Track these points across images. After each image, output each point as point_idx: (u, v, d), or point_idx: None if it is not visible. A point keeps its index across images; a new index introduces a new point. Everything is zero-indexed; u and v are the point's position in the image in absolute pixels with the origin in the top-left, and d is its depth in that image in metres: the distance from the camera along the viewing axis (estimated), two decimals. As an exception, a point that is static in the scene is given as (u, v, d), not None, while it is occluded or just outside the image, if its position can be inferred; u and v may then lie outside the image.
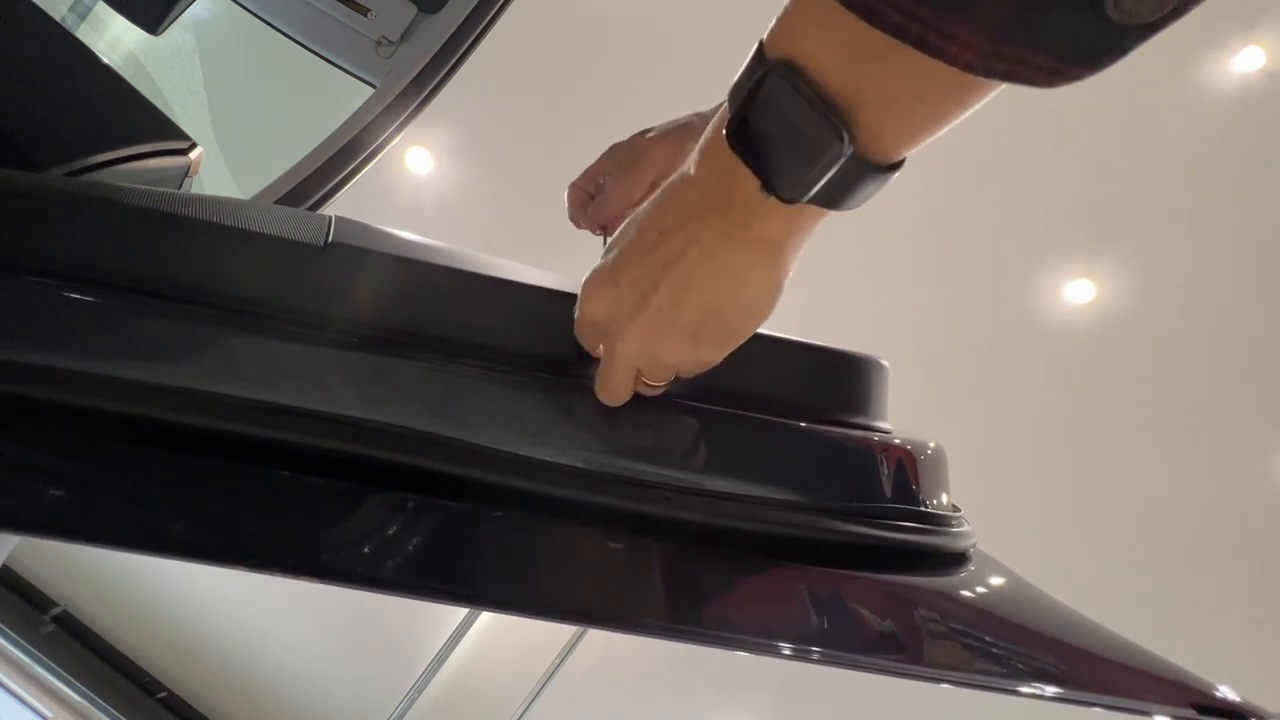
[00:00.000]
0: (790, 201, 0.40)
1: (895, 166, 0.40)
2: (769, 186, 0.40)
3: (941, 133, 0.38)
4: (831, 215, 0.43)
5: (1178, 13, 0.30)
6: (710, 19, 2.45)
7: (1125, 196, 2.68)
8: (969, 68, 0.32)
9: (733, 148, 0.41)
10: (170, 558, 0.44)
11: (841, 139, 0.37)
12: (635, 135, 0.73)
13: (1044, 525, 2.67)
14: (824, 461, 0.56)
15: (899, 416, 0.63)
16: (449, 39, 1.62)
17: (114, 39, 2.73)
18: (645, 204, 0.47)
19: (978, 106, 0.36)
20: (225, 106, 2.96)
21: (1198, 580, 2.68)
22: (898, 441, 0.58)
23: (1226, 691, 0.53)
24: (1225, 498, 2.67)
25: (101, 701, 2.85)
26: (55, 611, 2.89)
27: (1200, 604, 2.65)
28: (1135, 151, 2.62)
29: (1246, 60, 2.54)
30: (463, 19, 1.63)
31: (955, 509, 0.61)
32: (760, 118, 0.39)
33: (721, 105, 0.42)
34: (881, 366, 0.62)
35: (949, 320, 2.77)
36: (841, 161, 0.38)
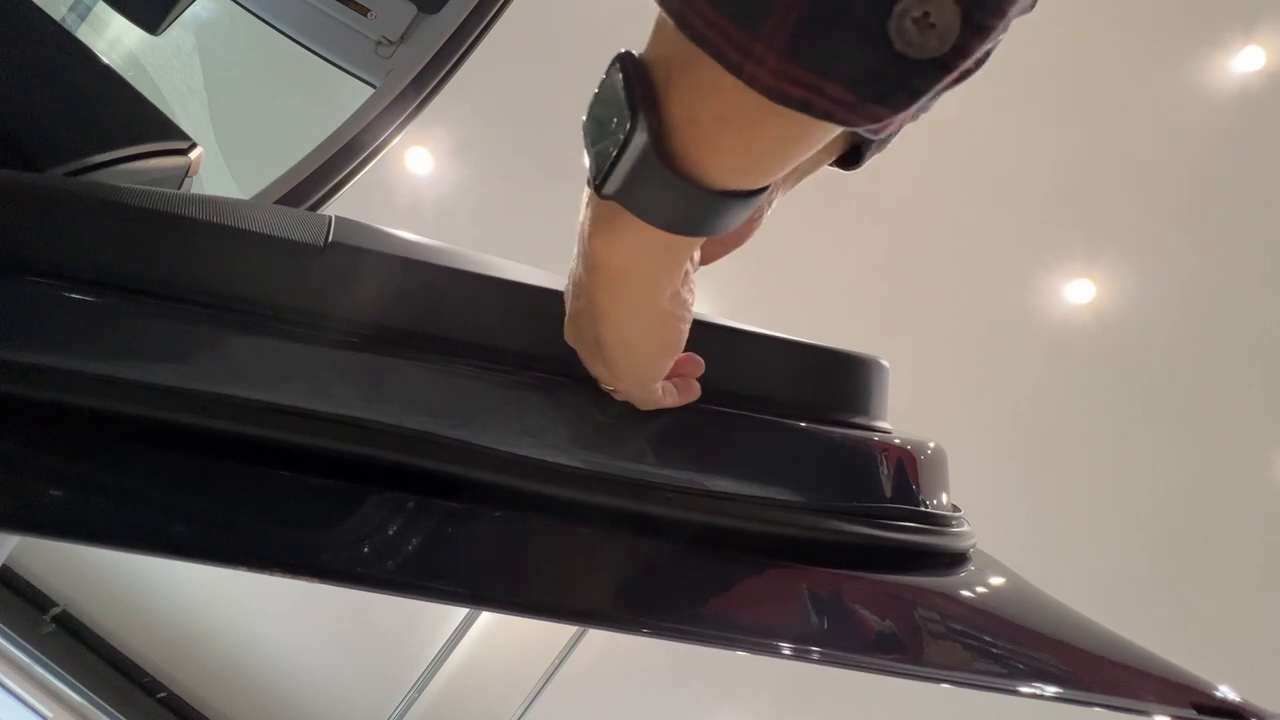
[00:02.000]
0: (599, 190, 0.38)
1: (738, 196, 0.37)
2: (590, 180, 0.39)
3: (772, 170, 0.36)
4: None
5: (962, 52, 0.29)
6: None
7: (1125, 196, 2.68)
8: (766, 91, 0.31)
9: (584, 132, 0.40)
10: (170, 558, 0.44)
11: (638, 125, 0.35)
12: None
13: (1044, 525, 2.67)
14: (824, 461, 0.56)
15: (899, 416, 0.63)
16: (449, 39, 1.62)
17: (114, 39, 2.73)
18: None
19: (800, 149, 0.35)
20: (225, 106, 2.96)
21: (1197, 580, 2.68)
22: (898, 441, 0.58)
23: (1227, 691, 0.53)
24: (1225, 497, 2.67)
25: (101, 701, 2.85)
26: (55, 611, 2.89)
27: (1200, 604, 2.65)
28: (1135, 151, 2.62)
29: (1246, 60, 2.54)
30: (463, 19, 1.63)
31: (955, 509, 0.61)
32: (599, 98, 0.39)
33: None
34: (881, 366, 0.62)
35: (949, 320, 2.77)
36: (638, 153, 0.36)
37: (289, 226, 0.51)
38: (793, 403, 0.56)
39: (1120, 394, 2.72)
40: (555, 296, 0.53)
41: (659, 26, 0.35)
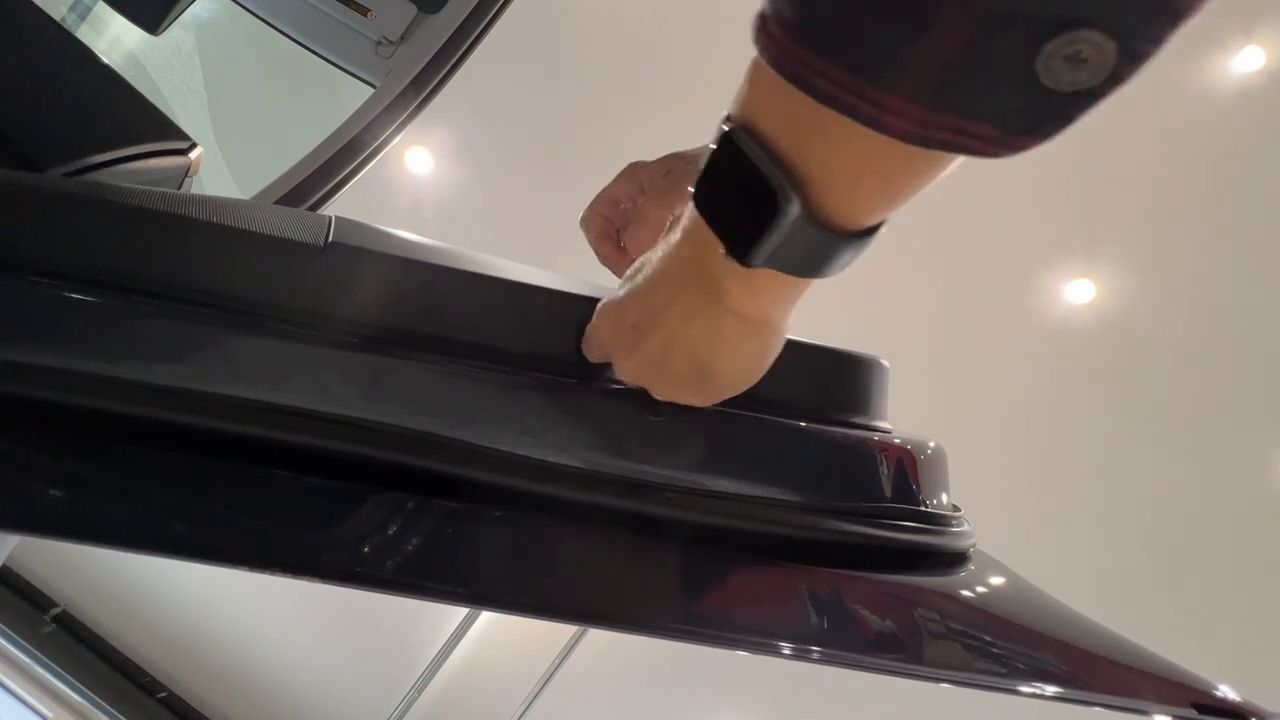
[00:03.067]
0: (748, 265, 0.40)
1: (870, 231, 0.39)
2: (731, 250, 0.40)
3: (906, 201, 0.37)
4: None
5: (1117, 79, 0.29)
6: (710, 20, 2.45)
7: (1125, 196, 2.68)
8: (906, 138, 0.31)
9: (699, 209, 0.41)
10: (170, 558, 0.44)
11: (790, 199, 0.36)
12: (667, 158, 0.67)
13: (1044, 525, 2.67)
14: (824, 461, 0.56)
15: (899, 416, 0.63)
16: (449, 39, 1.62)
17: (114, 39, 2.73)
18: (658, 247, 0.47)
19: (937, 178, 0.35)
20: (225, 106, 2.96)
21: (1197, 580, 2.68)
22: (897, 441, 0.58)
23: (1227, 691, 0.53)
24: (1225, 498, 2.67)
25: (101, 701, 2.85)
26: (55, 611, 2.89)
27: (1200, 603, 2.65)
28: (1135, 151, 2.62)
29: (1246, 60, 2.54)
30: (463, 19, 1.63)
31: (955, 509, 0.61)
32: (720, 179, 0.40)
33: None
34: (881, 366, 0.62)
35: (949, 320, 2.77)
36: (791, 223, 0.37)
37: (289, 226, 0.51)
38: (793, 402, 0.56)
39: (1120, 394, 2.72)
40: (555, 297, 0.53)
41: (766, 87, 0.35)
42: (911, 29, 0.29)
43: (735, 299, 0.43)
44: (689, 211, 0.43)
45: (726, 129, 0.39)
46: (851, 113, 0.32)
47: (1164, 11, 0.28)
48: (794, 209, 0.37)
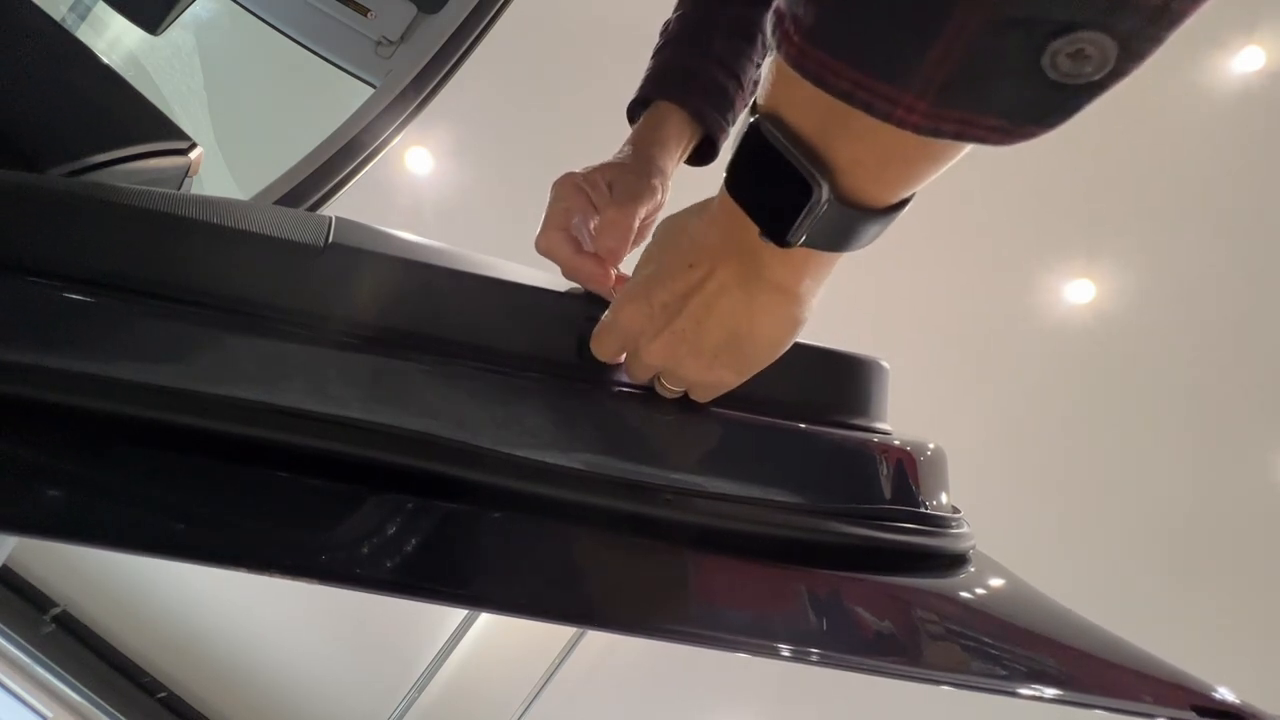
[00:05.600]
0: (783, 243, 0.42)
1: (897, 206, 0.41)
2: (766, 233, 0.42)
3: (931, 178, 0.39)
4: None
5: (1119, 75, 0.30)
6: (710, 19, 2.44)
7: (1125, 196, 2.68)
8: (919, 130, 0.33)
9: (732, 196, 0.43)
10: (170, 558, 0.44)
11: (820, 185, 0.39)
12: (597, 169, 0.65)
13: (1043, 526, 2.67)
14: (824, 463, 0.56)
15: (899, 417, 0.63)
16: (449, 39, 1.62)
17: (114, 39, 2.73)
18: (676, 226, 0.49)
19: (958, 156, 0.37)
20: (225, 106, 2.96)
21: (1197, 581, 2.68)
22: (897, 443, 0.58)
23: (1225, 693, 0.53)
24: (1225, 498, 2.67)
25: (101, 701, 2.85)
26: (55, 611, 2.89)
27: (1199, 605, 2.65)
28: (1135, 151, 2.62)
29: (1246, 60, 2.54)
30: (463, 19, 1.63)
31: (955, 510, 0.61)
32: (750, 167, 0.42)
33: None
34: (881, 367, 0.62)
35: (949, 320, 2.77)
36: (823, 208, 0.39)
37: (289, 227, 0.51)
38: (793, 404, 0.56)
39: (1120, 394, 2.72)
40: (555, 297, 0.53)
41: (790, 84, 0.37)
42: (923, 34, 0.30)
43: (775, 271, 0.45)
44: (720, 196, 0.45)
45: (754, 120, 0.40)
46: (867, 108, 0.33)
47: (1163, 14, 0.28)
48: (823, 193, 0.39)
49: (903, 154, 0.37)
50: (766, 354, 0.49)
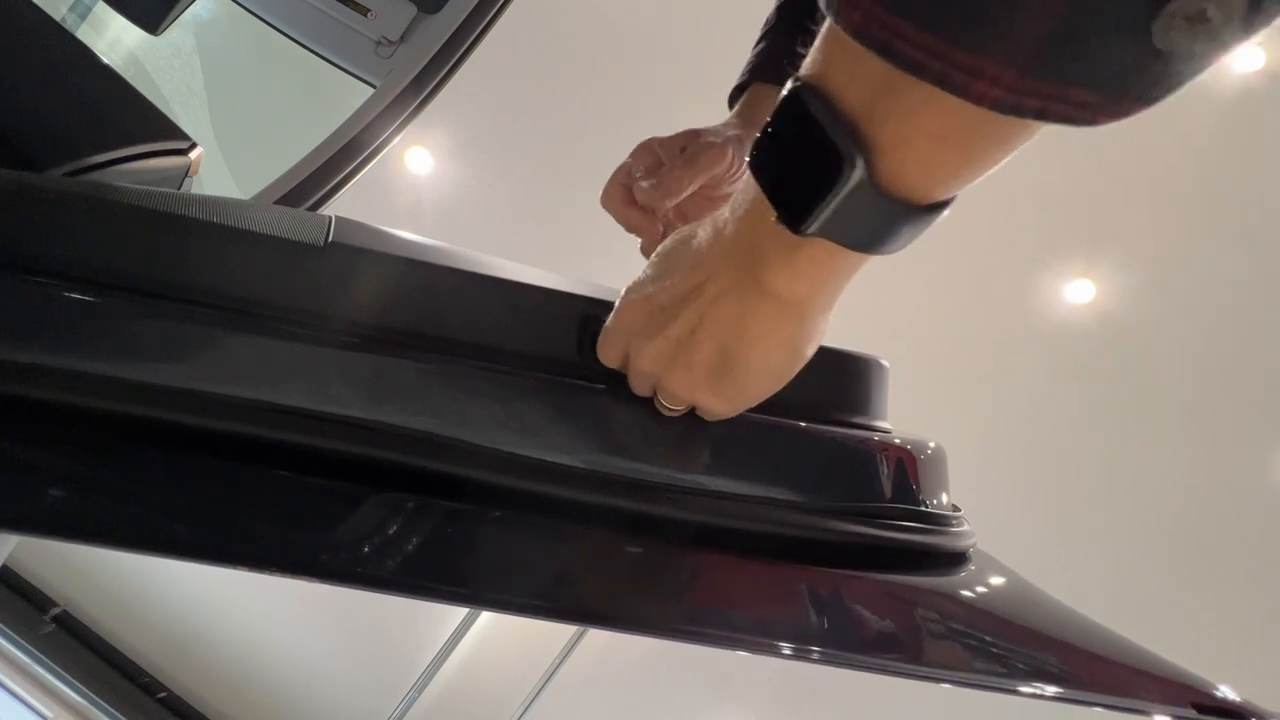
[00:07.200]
0: (799, 233, 0.37)
1: (939, 206, 0.36)
2: (782, 216, 0.38)
3: (980, 176, 0.35)
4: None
5: (1231, 42, 0.27)
6: (710, 19, 2.45)
7: (1125, 196, 2.68)
8: (997, 106, 0.29)
9: (754, 172, 0.39)
10: (170, 558, 0.44)
11: (855, 164, 0.34)
12: (683, 134, 0.69)
13: (1044, 525, 2.67)
14: (824, 461, 0.56)
15: (899, 416, 0.63)
16: (449, 39, 1.62)
17: (114, 39, 2.73)
18: (691, 230, 0.46)
19: (1017, 149, 0.33)
20: (225, 106, 2.96)
21: (1197, 580, 2.68)
22: (897, 441, 0.58)
23: (1227, 691, 0.53)
24: (1225, 497, 2.67)
25: (101, 701, 2.85)
26: (55, 611, 2.89)
27: (1200, 603, 2.65)
28: (1135, 151, 2.62)
29: (1246, 60, 2.54)
30: (463, 19, 1.63)
31: (955, 509, 0.61)
32: (780, 138, 0.37)
33: None
34: (881, 366, 0.62)
35: (949, 320, 2.77)
36: (851, 189, 0.35)
37: (289, 226, 0.51)
38: (793, 402, 0.56)
39: (1120, 394, 2.72)
40: (555, 297, 0.53)
41: (841, 51, 0.33)
42: None
43: (774, 275, 0.40)
44: (743, 180, 0.41)
45: (794, 85, 0.36)
46: (939, 80, 0.29)
47: None
48: (857, 174, 0.34)
49: (961, 137, 0.32)
50: (758, 382, 0.45)
